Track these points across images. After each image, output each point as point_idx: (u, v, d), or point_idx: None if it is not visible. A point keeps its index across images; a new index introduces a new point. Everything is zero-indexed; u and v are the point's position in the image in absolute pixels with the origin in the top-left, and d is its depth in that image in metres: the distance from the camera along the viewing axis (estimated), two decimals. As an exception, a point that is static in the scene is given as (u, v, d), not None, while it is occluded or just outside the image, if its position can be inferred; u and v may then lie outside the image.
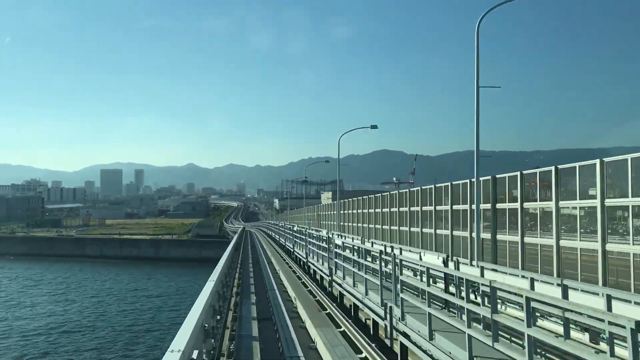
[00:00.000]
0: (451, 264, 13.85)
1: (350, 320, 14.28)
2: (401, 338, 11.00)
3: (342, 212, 47.88)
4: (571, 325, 8.24)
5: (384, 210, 34.29)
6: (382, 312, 12.58)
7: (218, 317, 11.59)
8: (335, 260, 20.02)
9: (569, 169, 15.75)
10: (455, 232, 23.01)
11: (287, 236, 40.55)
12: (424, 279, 10.48)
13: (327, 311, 15.98)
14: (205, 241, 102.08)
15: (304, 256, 29.48)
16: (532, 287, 10.23)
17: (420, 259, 15.26)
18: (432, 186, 25.98)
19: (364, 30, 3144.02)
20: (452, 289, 10.97)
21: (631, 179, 13.07)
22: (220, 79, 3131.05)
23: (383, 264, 13.25)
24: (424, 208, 27.13)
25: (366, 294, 14.58)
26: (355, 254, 16.85)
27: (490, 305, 7.83)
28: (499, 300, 9.50)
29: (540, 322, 9.77)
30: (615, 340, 7.00)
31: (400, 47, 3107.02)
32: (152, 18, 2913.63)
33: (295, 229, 37.32)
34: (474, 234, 19.56)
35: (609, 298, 8.38)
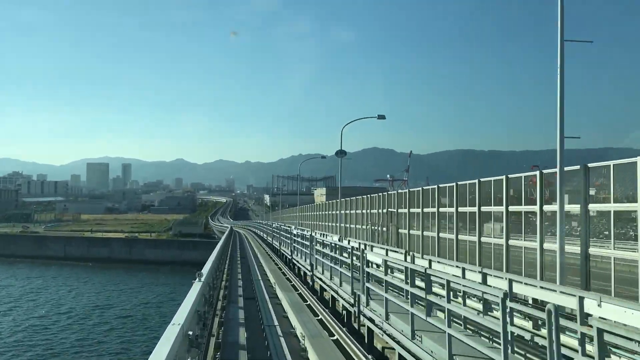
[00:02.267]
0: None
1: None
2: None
3: (345, 211, 42.41)
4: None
5: (390, 210, 31.03)
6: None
7: None
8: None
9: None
10: (460, 236, 21.41)
11: (300, 248, 27.84)
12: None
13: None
14: (187, 241, 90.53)
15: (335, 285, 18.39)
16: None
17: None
18: (436, 187, 24.69)
19: (358, 27, 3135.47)
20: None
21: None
22: (210, 74, 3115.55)
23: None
24: (427, 210, 25.50)
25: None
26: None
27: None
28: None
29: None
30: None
31: (393, 45, 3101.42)
32: (143, 12, 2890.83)
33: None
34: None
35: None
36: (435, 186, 24.59)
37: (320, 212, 54.47)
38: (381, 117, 34.79)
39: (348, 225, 41.37)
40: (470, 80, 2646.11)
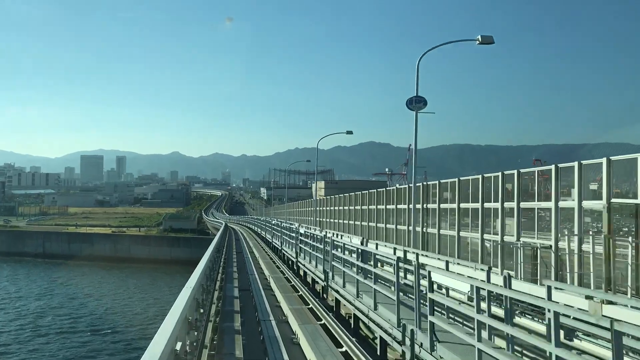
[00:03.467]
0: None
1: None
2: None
3: (351, 207, 39.62)
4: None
5: (389, 206, 30.57)
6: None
7: None
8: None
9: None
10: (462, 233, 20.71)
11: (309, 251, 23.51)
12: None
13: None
14: (178, 238, 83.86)
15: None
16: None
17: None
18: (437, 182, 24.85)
19: (353, 21, 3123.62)
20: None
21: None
22: (207, 67, 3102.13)
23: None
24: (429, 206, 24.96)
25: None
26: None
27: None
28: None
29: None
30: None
31: (388, 38, 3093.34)
32: (138, 6, 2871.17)
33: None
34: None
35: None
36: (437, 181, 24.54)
37: (323, 208, 49.16)
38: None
39: (355, 223, 38.31)
40: (467, 75, 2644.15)
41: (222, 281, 20.02)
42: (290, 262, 26.79)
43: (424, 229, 25.41)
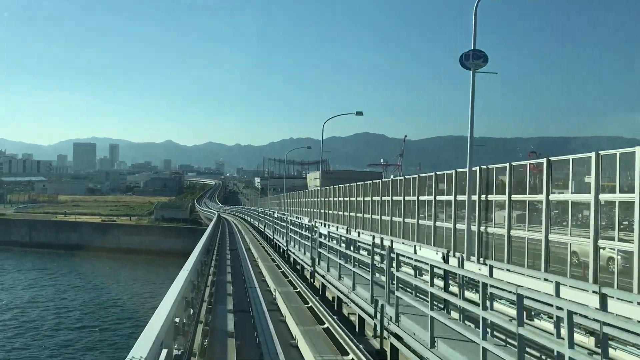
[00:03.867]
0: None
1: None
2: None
3: (353, 198, 37.99)
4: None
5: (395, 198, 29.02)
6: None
7: None
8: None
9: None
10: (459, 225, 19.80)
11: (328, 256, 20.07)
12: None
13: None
14: (170, 227, 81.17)
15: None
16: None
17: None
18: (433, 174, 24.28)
19: (348, 11, 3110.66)
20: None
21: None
22: (201, 56, 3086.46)
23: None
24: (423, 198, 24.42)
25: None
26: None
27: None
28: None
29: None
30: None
31: (385, 29, 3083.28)
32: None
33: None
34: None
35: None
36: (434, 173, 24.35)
37: (325, 199, 46.71)
38: (359, 113, 37.20)
39: (361, 215, 35.95)
40: (460, 67, 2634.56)
41: (211, 296, 15.27)
42: (298, 266, 23.70)
43: (419, 221, 24.79)
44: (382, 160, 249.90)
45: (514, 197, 17.46)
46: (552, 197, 15.36)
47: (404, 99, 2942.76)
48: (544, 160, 15.68)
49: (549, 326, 9.10)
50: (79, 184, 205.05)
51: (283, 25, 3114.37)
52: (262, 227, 37.79)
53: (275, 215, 33.71)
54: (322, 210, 45.77)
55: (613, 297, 8.33)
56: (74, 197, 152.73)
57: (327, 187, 46.84)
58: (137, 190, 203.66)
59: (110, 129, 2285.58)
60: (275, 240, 31.60)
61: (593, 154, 13.46)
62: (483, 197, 19.24)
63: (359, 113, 39.24)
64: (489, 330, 7.80)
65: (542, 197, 15.61)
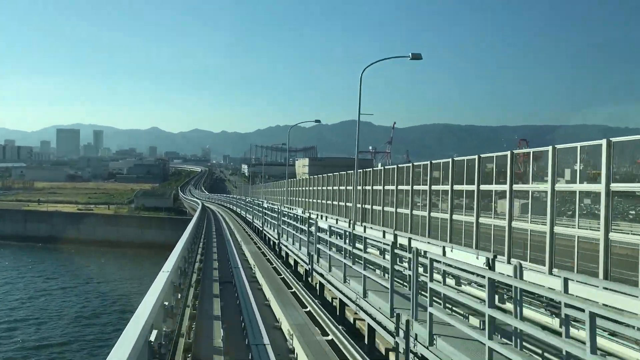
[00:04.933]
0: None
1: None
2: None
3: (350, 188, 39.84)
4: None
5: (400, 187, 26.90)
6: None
7: None
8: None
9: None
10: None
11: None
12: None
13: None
14: (151, 218, 75.19)
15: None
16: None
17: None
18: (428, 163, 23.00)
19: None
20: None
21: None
22: (187, 41, 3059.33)
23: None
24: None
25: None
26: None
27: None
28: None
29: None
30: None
31: (371, 18, 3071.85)
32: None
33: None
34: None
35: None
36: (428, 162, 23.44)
37: (315, 188, 42.64)
38: (416, 56, 32.07)
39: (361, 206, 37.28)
40: (448, 55, 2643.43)
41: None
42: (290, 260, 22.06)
43: (412, 211, 24.08)
44: (370, 148, 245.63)
45: (515, 187, 16.56)
46: (557, 186, 14.52)
47: (389, 87, 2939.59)
48: (550, 148, 14.82)
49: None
50: (59, 171, 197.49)
51: (268, 10, 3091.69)
52: (261, 224, 33.03)
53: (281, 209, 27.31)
54: (315, 200, 43.19)
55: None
56: (52, 184, 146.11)
57: (319, 176, 44.38)
58: (119, 177, 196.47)
59: (96, 115, 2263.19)
60: (292, 256, 23.86)
61: (604, 142, 12.64)
62: (483, 187, 18.19)
63: (416, 56, 28.90)
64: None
65: (546, 186, 14.81)
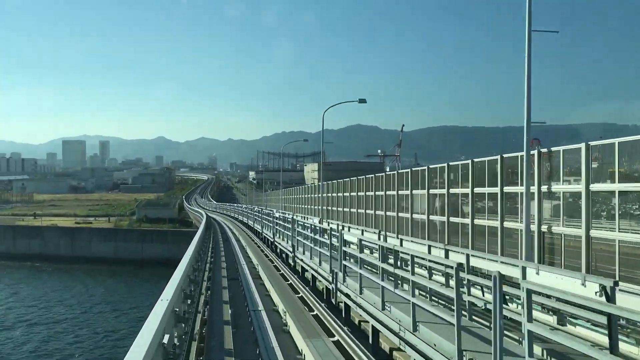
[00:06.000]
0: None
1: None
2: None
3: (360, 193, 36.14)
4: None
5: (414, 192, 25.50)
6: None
7: None
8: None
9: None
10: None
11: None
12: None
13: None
14: (152, 231, 68.97)
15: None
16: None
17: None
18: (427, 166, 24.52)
19: (339, 2, 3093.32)
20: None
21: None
22: (192, 50, 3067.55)
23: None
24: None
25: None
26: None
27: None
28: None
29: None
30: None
31: (374, 24, 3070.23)
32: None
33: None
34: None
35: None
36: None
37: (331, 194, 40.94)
38: (362, 101, 35.59)
39: (368, 212, 35.05)
40: (453, 57, 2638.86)
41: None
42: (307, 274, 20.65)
43: (429, 217, 22.96)
44: (379, 151, 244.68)
45: (544, 187, 15.71)
46: (592, 187, 13.59)
47: (395, 90, 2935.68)
48: (582, 145, 13.95)
49: None
50: (62, 182, 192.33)
51: (274, 19, 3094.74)
52: (287, 244, 28.09)
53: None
54: (333, 208, 40.27)
55: None
56: (54, 196, 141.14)
57: (334, 181, 41.52)
58: (124, 187, 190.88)
59: (102, 126, 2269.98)
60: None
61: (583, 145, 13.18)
62: (507, 188, 17.26)
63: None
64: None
65: (580, 187, 13.97)
